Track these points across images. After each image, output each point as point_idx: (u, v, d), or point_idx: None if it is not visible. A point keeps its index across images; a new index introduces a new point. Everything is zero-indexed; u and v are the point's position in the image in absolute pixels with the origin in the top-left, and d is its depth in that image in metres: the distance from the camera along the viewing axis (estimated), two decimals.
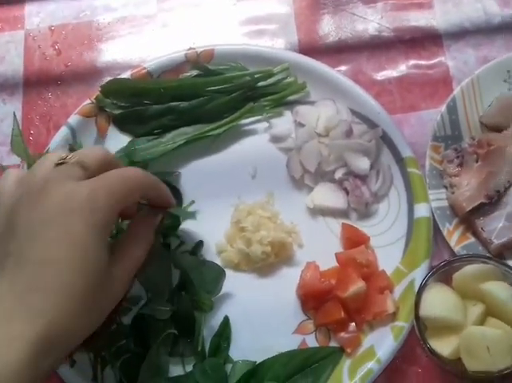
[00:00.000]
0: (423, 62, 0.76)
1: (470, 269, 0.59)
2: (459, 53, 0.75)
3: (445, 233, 0.65)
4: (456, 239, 0.65)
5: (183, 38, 0.78)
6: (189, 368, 0.64)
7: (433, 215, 0.66)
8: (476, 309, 0.58)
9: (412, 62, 0.76)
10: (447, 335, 0.58)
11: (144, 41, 0.79)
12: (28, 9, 0.82)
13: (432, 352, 0.57)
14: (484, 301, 0.59)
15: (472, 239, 0.66)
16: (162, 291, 0.65)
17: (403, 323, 0.62)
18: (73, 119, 0.72)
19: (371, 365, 0.62)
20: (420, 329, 0.58)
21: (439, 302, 0.58)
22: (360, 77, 0.75)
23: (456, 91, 0.70)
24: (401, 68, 0.76)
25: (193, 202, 0.70)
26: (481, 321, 0.58)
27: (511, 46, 0.74)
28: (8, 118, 0.76)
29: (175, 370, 0.64)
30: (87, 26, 0.80)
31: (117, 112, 0.72)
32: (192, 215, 0.70)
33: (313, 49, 0.77)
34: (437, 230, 0.66)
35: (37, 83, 0.78)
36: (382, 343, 0.62)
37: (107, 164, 0.52)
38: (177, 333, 0.63)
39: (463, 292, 0.59)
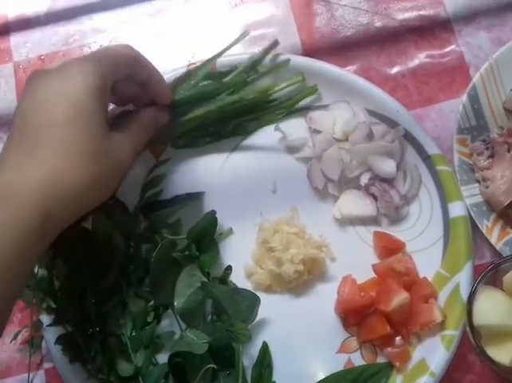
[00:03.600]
0: (435, 51, 0.72)
1: None
2: (472, 38, 0.72)
3: (484, 230, 0.62)
4: (497, 236, 0.62)
5: (181, 53, 0.74)
6: None
7: (469, 213, 0.63)
8: None
9: (424, 52, 0.72)
10: (504, 342, 0.55)
11: None
12: (13, 40, 0.77)
13: (492, 361, 0.54)
14: None
15: None
16: (197, 323, 0.62)
17: (453, 332, 0.59)
18: None
19: (425, 379, 0.59)
20: (476, 339, 0.55)
21: (491, 308, 0.55)
22: (371, 74, 0.71)
23: (475, 78, 0.66)
24: (413, 60, 0.72)
25: (231, 230, 0.67)
26: None
27: None
28: None
29: None
30: (78, 52, 0.76)
31: None
32: (230, 232, 0.67)
33: (317, 49, 0.73)
34: (475, 228, 0.63)
35: None
36: (433, 355, 0.59)
37: None
38: (216, 367, 0.60)
39: None
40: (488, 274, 0.56)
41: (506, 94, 0.66)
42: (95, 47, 0.76)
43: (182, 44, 0.75)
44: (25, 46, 0.77)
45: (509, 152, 0.64)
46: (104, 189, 0.53)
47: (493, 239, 0.62)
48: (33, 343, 0.64)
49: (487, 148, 0.64)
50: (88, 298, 0.60)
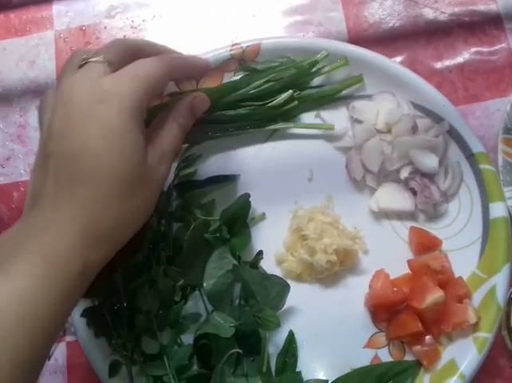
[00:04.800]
0: (484, 48, 0.70)
1: None
2: None
3: None
4: None
5: (224, 34, 0.73)
6: None
7: (510, 215, 0.61)
8: None
9: (473, 49, 0.70)
10: None
11: (183, 40, 0.73)
12: (56, 8, 0.76)
13: None
14: None
15: None
16: (224, 305, 0.61)
17: (486, 334, 0.58)
18: None
19: (454, 380, 0.57)
20: None
21: None
22: (417, 67, 0.69)
23: None
24: (461, 55, 0.70)
25: (264, 216, 0.66)
26: None
27: None
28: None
29: None
30: (120, 25, 0.75)
31: None
32: (263, 217, 0.66)
33: (363, 38, 0.71)
34: None
35: None
36: (464, 356, 0.58)
37: (132, 55, 0.53)
38: (241, 352, 0.59)
39: None
40: None
41: None
42: (138, 21, 0.75)
43: (226, 24, 0.74)
44: (67, 15, 0.76)
45: None
46: (144, 216, 0.51)
47: None
48: None
49: None
50: (118, 272, 0.59)
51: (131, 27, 0.75)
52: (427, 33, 0.71)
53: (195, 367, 0.59)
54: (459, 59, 0.70)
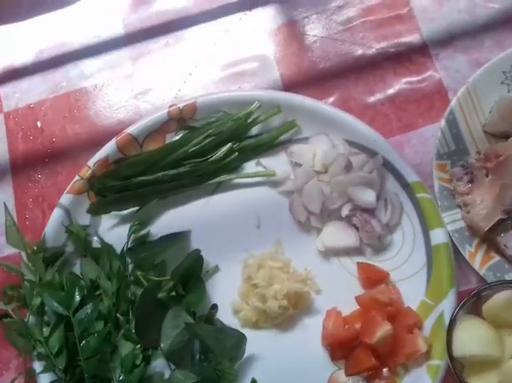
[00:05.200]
0: (413, 77, 0.72)
1: (500, 297, 0.55)
2: (449, 61, 0.71)
3: (467, 256, 0.62)
4: (480, 261, 0.62)
5: (164, 93, 0.76)
6: None
7: (451, 239, 0.63)
8: None
9: (402, 79, 0.72)
10: (486, 372, 0.54)
11: (125, 103, 0.77)
12: (2, 91, 0.80)
13: None
14: None
15: (497, 258, 0.62)
16: (185, 363, 0.63)
17: (438, 362, 0.59)
18: (65, 198, 0.70)
19: None
20: (456, 370, 0.54)
21: (471, 337, 0.55)
22: (350, 104, 0.72)
23: (453, 102, 0.66)
24: (392, 87, 0.72)
25: (217, 268, 0.68)
26: None
27: (502, 45, 0.70)
28: (1, 207, 0.73)
29: None
30: (65, 99, 0.78)
31: (106, 193, 0.70)
32: (216, 269, 0.68)
33: (296, 82, 0.74)
34: (458, 254, 0.63)
35: (25, 165, 0.76)
36: None
37: None
38: None
39: (497, 322, 0.56)
40: (468, 303, 0.56)
41: (486, 117, 0.66)
42: (81, 94, 0.78)
43: (165, 84, 0.76)
44: (15, 96, 0.79)
45: (487, 176, 0.63)
46: None
47: (476, 265, 0.61)
48: None
49: (466, 173, 0.64)
50: (77, 344, 0.61)
51: (76, 99, 0.78)
52: (357, 69, 0.74)
53: None
54: (390, 91, 0.72)
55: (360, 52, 0.74)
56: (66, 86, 0.79)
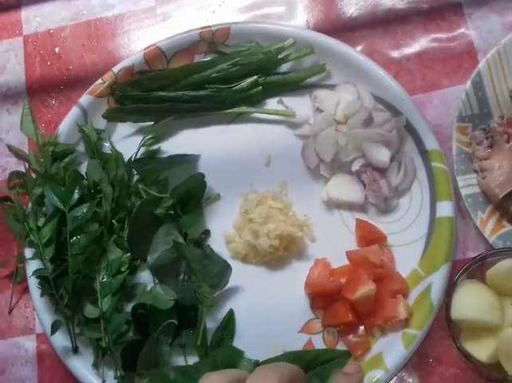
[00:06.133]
0: (443, 35, 0.69)
1: (505, 264, 0.53)
2: (482, 22, 0.68)
3: (478, 222, 0.60)
4: (491, 229, 0.60)
5: (185, 29, 0.72)
6: (191, 360, 0.62)
7: (464, 204, 0.61)
8: None
9: (432, 35, 0.69)
10: (484, 338, 0.53)
11: (146, 37, 0.75)
12: (24, 14, 0.79)
13: (468, 357, 0.52)
14: None
15: (509, 227, 0.60)
16: (168, 279, 0.64)
17: (415, 331, 0.58)
18: (85, 99, 0.70)
19: (377, 373, 0.58)
20: (453, 333, 0.53)
21: (472, 302, 0.53)
22: (375, 57, 0.68)
23: (481, 64, 0.63)
24: (420, 43, 0.69)
25: (219, 196, 0.68)
26: None
27: None
28: (14, 128, 0.74)
29: (178, 362, 0.63)
30: (85, 27, 0.77)
31: (125, 102, 0.70)
32: (217, 198, 0.68)
33: (322, 30, 0.70)
34: (469, 220, 0.61)
35: (40, 90, 0.76)
36: (391, 350, 0.58)
37: None
38: (177, 323, 0.61)
39: (499, 289, 0.54)
40: (472, 267, 0.54)
41: None
42: (102, 23, 0.77)
43: (184, 23, 0.74)
44: (35, 20, 0.78)
45: (508, 142, 0.60)
46: None
47: (486, 232, 0.60)
48: (18, 273, 0.67)
49: (487, 138, 0.61)
50: (68, 239, 0.62)
51: (96, 28, 0.77)
52: (385, 21, 0.70)
53: (132, 334, 0.62)
54: (417, 47, 0.69)
55: (390, 4, 0.71)
56: (87, 14, 0.77)
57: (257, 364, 0.60)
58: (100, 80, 0.70)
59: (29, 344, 0.68)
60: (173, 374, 0.59)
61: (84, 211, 0.63)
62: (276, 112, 0.68)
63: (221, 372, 0.43)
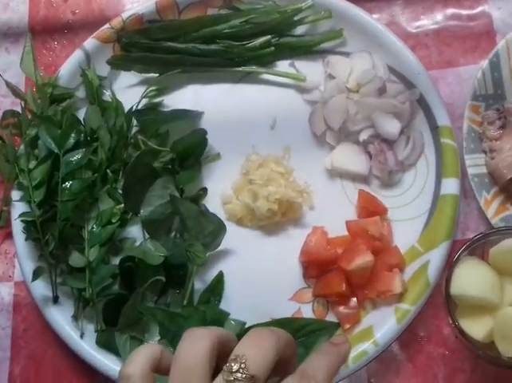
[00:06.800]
0: (463, 12, 0.67)
1: (509, 243, 0.52)
2: (504, 3, 0.66)
3: (482, 202, 0.59)
4: (494, 210, 0.59)
5: None
6: None
7: (470, 183, 0.60)
8: None
9: (451, 12, 0.67)
10: (481, 316, 0.51)
11: None
12: None
13: (463, 334, 0.51)
14: None
15: None
16: (159, 235, 0.61)
17: (408, 306, 0.57)
18: (90, 43, 0.67)
19: (366, 346, 0.56)
20: (451, 309, 0.52)
21: (473, 279, 0.52)
22: (393, 29, 0.66)
23: (500, 44, 0.61)
24: (439, 18, 0.67)
25: (219, 155, 0.66)
26: None
27: None
28: (12, 68, 0.71)
29: None
30: None
31: (131, 50, 0.67)
32: (217, 157, 0.66)
33: None
34: (473, 200, 0.60)
35: (43, 31, 0.72)
36: (382, 324, 0.57)
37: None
38: (165, 280, 0.60)
39: (501, 268, 0.52)
40: (474, 245, 0.53)
41: None
42: None
43: None
44: None
45: None
46: None
47: (489, 213, 0.58)
48: (1, 217, 0.65)
49: (499, 118, 0.60)
50: (59, 184, 0.60)
51: None
52: None
53: (117, 287, 0.60)
54: (437, 23, 0.67)
55: None
56: None
57: (243, 325, 0.59)
58: (107, 25, 0.67)
59: (6, 291, 0.66)
60: (161, 315, 0.57)
61: (79, 156, 0.61)
62: (286, 75, 0.66)
63: (208, 328, 0.41)
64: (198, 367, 0.38)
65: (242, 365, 0.37)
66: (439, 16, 0.68)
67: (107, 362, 0.59)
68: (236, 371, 0.37)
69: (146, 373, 0.39)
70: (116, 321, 0.59)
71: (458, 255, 0.52)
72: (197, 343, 0.39)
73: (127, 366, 0.39)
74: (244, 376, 0.37)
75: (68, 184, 0.60)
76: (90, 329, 0.61)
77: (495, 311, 0.51)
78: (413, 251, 0.59)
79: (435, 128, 0.61)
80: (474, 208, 0.61)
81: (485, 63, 0.61)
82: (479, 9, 0.67)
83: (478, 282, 0.51)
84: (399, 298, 0.57)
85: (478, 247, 0.54)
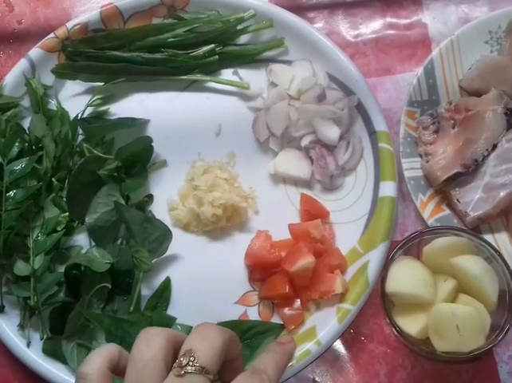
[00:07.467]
0: (400, 21, 0.70)
1: (441, 241, 0.54)
2: (439, 13, 0.70)
3: (418, 204, 0.61)
4: (430, 211, 0.61)
5: None
6: None
7: (406, 186, 0.62)
8: (447, 285, 0.54)
9: (389, 21, 0.70)
10: (416, 313, 0.54)
11: None
12: None
13: (399, 331, 0.53)
14: (456, 276, 0.54)
15: (447, 212, 0.62)
16: (105, 242, 0.62)
17: (349, 306, 0.58)
18: (34, 52, 0.67)
19: (310, 345, 0.58)
20: (386, 307, 0.53)
21: (407, 277, 0.54)
22: (333, 38, 0.69)
23: (434, 53, 0.64)
24: (377, 28, 0.70)
25: (165, 162, 0.67)
26: (452, 298, 0.54)
27: (495, 6, 0.68)
28: None
29: None
30: None
31: (76, 59, 0.68)
32: (164, 164, 0.66)
33: (283, 6, 0.69)
34: (409, 203, 0.63)
35: None
36: (325, 325, 0.59)
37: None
38: (111, 287, 0.60)
39: (434, 267, 0.55)
40: (409, 244, 0.55)
41: (464, 72, 0.65)
42: None
43: None
44: None
45: (453, 128, 0.62)
46: None
47: (426, 214, 0.61)
48: None
49: (434, 123, 0.63)
50: (3, 193, 0.60)
51: None
52: (346, 4, 0.71)
53: (62, 295, 0.60)
54: (375, 32, 0.70)
55: None
56: None
57: (190, 329, 0.59)
58: (52, 35, 0.68)
59: None
60: (107, 322, 0.57)
61: (23, 165, 0.61)
62: (230, 83, 0.67)
63: (161, 328, 0.42)
64: (152, 364, 0.38)
65: (191, 358, 0.38)
66: (377, 25, 0.70)
67: (54, 370, 0.59)
68: (186, 365, 0.38)
69: (103, 372, 0.39)
70: (63, 329, 0.59)
71: (393, 255, 0.54)
72: (151, 341, 0.39)
73: (84, 365, 0.40)
74: (194, 368, 0.38)
75: (12, 193, 0.60)
76: (36, 337, 0.61)
77: (429, 308, 0.53)
78: (354, 253, 0.61)
79: (373, 133, 0.64)
80: (411, 210, 0.64)
81: (420, 70, 0.64)
82: (415, 18, 0.70)
83: (412, 280, 0.53)
84: (341, 298, 0.59)
85: (413, 247, 0.56)
